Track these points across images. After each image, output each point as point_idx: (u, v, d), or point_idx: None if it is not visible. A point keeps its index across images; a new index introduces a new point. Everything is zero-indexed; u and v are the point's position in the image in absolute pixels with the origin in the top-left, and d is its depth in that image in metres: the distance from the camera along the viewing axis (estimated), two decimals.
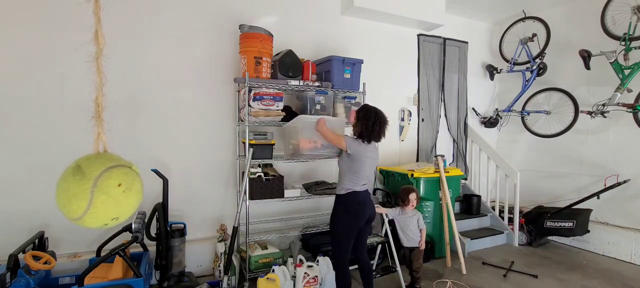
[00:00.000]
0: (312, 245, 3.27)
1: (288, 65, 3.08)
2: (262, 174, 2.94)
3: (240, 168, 3.24)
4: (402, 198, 2.99)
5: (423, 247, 2.98)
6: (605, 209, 3.86)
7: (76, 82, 2.61)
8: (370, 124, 2.39)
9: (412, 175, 3.49)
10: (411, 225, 2.96)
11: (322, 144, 2.83)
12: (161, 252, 2.67)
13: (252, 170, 2.90)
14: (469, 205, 4.37)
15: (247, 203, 2.84)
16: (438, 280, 3.15)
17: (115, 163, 1.10)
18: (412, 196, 2.97)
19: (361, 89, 3.38)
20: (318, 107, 3.11)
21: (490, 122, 4.83)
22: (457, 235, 3.46)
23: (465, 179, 4.59)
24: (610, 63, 3.58)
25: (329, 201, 3.65)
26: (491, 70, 4.88)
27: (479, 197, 4.40)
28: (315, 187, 3.19)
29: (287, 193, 3.05)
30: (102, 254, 2.53)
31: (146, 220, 2.63)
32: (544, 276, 3.25)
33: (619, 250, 3.70)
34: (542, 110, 4.33)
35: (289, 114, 3.11)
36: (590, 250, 3.91)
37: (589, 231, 3.78)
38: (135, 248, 2.67)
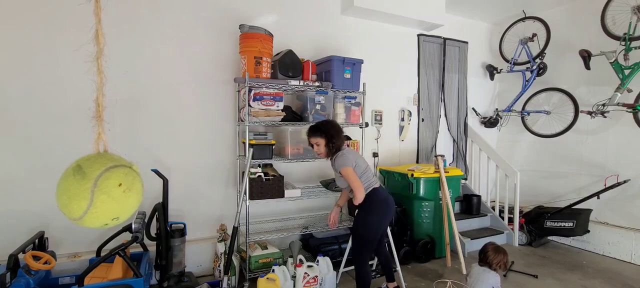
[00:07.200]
0: (312, 245, 3.27)
1: (288, 65, 3.08)
2: (262, 174, 2.94)
3: (240, 168, 3.24)
4: (503, 262, 2.44)
5: None
6: (605, 209, 3.86)
7: (76, 82, 2.61)
8: (338, 134, 2.54)
9: (412, 175, 3.49)
10: None
11: (304, 148, 3.05)
12: (161, 252, 2.66)
13: (252, 170, 2.90)
14: (469, 205, 4.37)
15: (247, 203, 2.84)
16: (438, 280, 3.15)
17: (116, 163, 1.09)
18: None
19: (361, 89, 3.38)
20: (318, 107, 3.11)
21: (490, 122, 4.82)
22: (457, 235, 3.46)
23: (465, 179, 4.58)
24: (610, 63, 3.58)
25: (329, 201, 3.66)
26: (491, 70, 4.88)
27: (479, 197, 4.40)
28: (334, 184, 3.13)
29: (287, 193, 3.05)
30: (102, 254, 2.53)
31: (146, 220, 2.62)
32: (544, 276, 3.25)
33: (619, 250, 3.70)
34: (542, 110, 4.33)
35: (289, 114, 3.11)
36: (590, 250, 3.91)
37: (589, 231, 3.78)
38: (135, 248, 2.67)
